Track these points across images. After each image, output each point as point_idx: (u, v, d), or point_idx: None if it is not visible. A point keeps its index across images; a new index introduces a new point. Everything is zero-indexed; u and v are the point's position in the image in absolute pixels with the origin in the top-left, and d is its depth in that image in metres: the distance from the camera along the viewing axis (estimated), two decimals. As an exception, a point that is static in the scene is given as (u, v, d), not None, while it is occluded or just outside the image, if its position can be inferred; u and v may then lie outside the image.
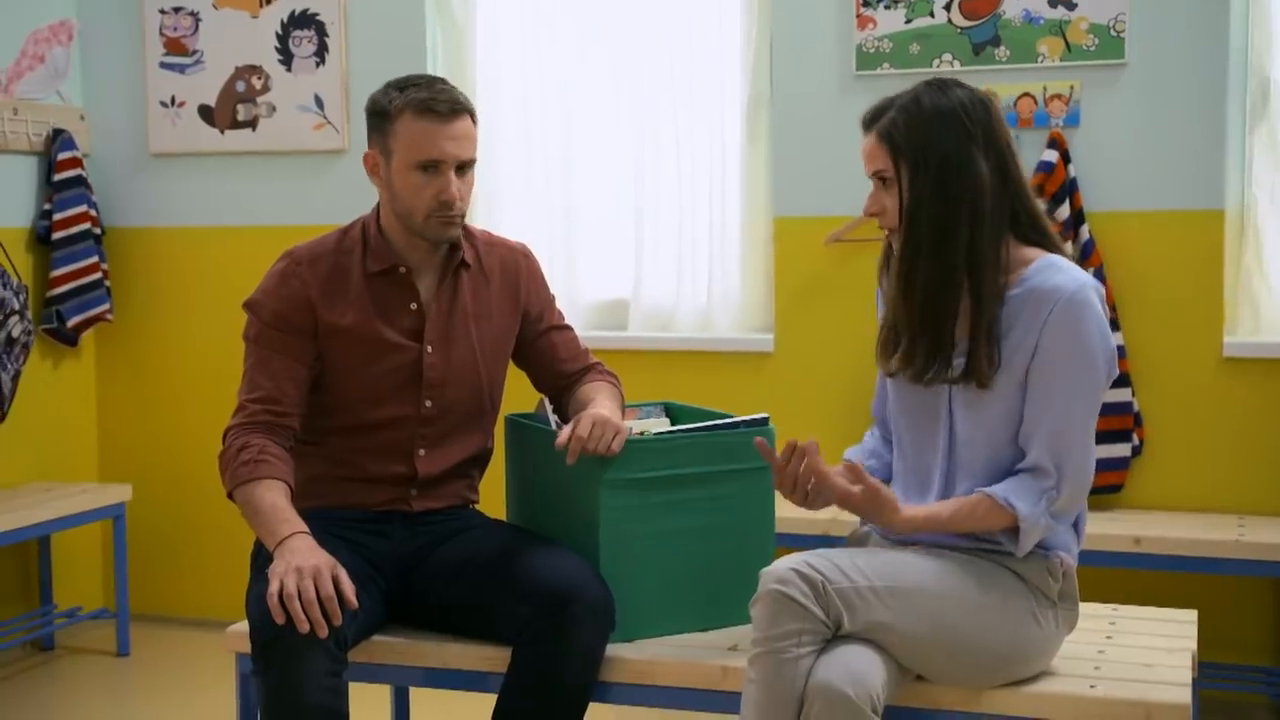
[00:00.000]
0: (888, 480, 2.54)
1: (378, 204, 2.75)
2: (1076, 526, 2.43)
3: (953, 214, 2.30)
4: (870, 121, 2.39)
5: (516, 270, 2.84)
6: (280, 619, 2.34)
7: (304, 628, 2.34)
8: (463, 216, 2.67)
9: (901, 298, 2.36)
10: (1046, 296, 2.29)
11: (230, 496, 2.62)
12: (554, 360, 2.88)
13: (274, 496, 2.54)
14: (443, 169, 2.62)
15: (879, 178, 2.38)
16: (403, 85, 2.65)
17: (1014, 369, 2.32)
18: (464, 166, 2.65)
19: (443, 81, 2.68)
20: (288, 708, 2.35)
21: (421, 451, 2.74)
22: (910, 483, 2.49)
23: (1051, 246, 2.38)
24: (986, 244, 2.31)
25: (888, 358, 2.43)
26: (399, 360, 2.70)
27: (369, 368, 2.69)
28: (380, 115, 2.65)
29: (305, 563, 2.40)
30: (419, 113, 2.60)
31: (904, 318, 2.36)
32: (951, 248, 2.31)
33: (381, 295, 2.70)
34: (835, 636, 2.25)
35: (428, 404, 2.72)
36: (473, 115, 2.68)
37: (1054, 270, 2.32)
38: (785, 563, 2.25)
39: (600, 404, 2.66)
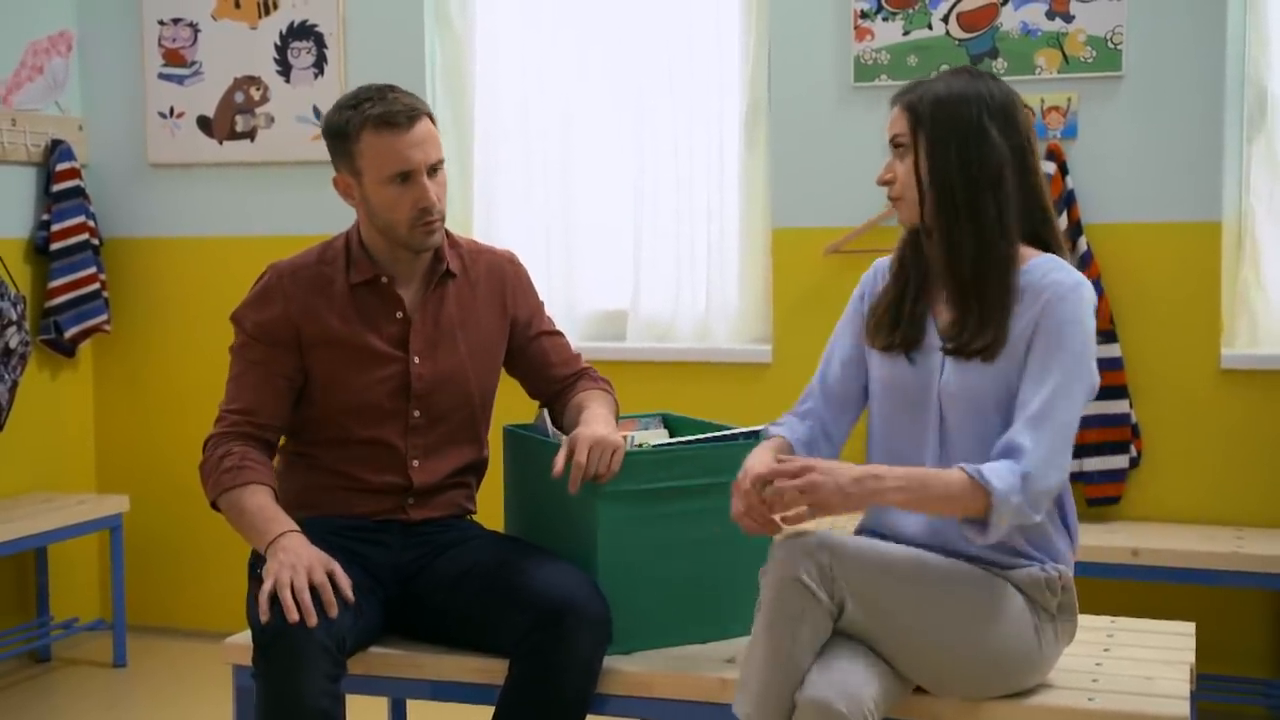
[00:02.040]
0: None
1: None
2: (1070, 535, 2.43)
3: (977, 186, 2.34)
4: (899, 95, 2.43)
5: (503, 277, 2.84)
6: (266, 618, 2.34)
7: (293, 617, 2.34)
8: (443, 219, 2.68)
9: (947, 269, 2.37)
10: (1045, 288, 2.31)
11: (214, 505, 2.62)
12: (546, 366, 2.87)
13: (259, 499, 2.55)
14: (415, 177, 2.61)
15: (895, 143, 2.42)
16: (355, 102, 2.63)
17: (1011, 356, 2.33)
18: (434, 168, 2.65)
19: (392, 89, 2.66)
20: (286, 710, 2.34)
21: (415, 462, 2.73)
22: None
23: (1056, 249, 2.41)
24: (1011, 221, 2.34)
25: (888, 333, 2.44)
26: (386, 371, 2.70)
27: (357, 378, 2.69)
28: (340, 137, 2.64)
29: (299, 560, 2.41)
30: (379, 127, 2.59)
31: (952, 288, 2.37)
32: (984, 217, 2.33)
33: (366, 306, 2.70)
34: (838, 631, 2.26)
35: (416, 414, 2.72)
36: (430, 116, 2.66)
37: (1052, 266, 2.35)
38: (795, 545, 2.25)
39: (595, 414, 2.65)
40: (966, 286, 2.35)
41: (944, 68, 4.01)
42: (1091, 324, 2.32)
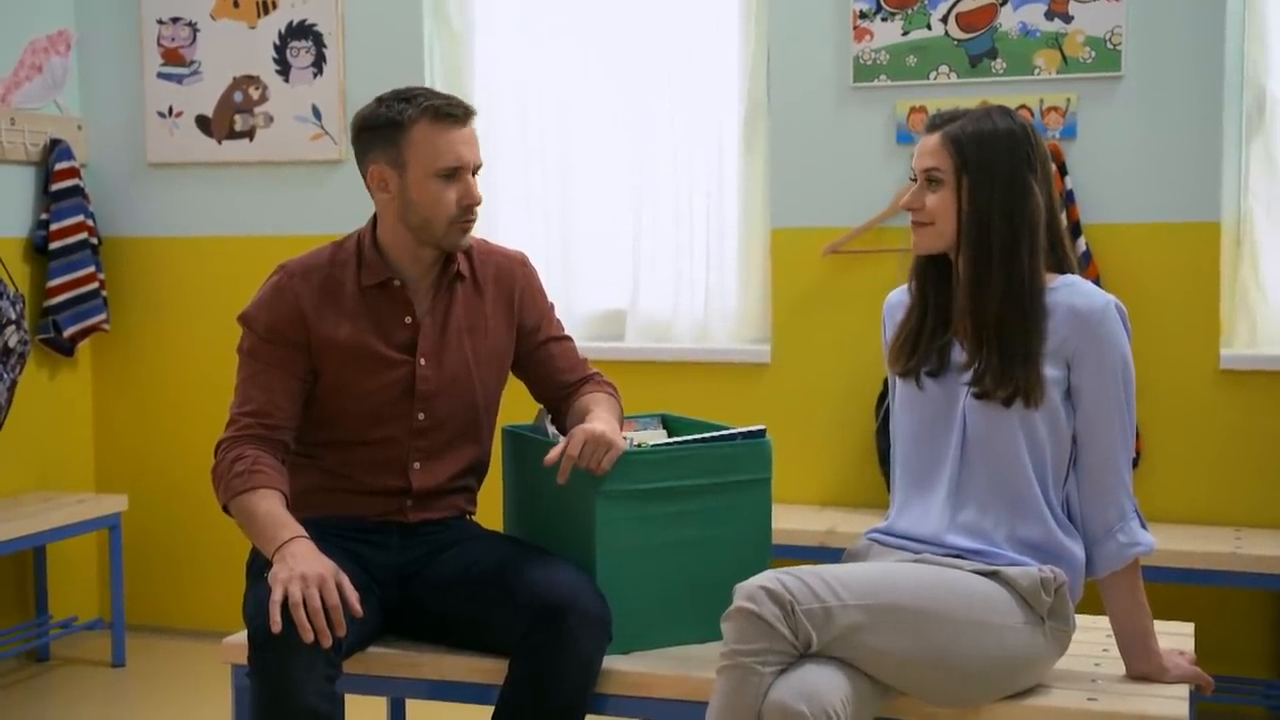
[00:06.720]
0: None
1: (373, 217, 2.74)
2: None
3: (1017, 235, 2.37)
4: (939, 124, 2.43)
5: (512, 281, 2.82)
6: (278, 628, 2.31)
7: (308, 637, 2.32)
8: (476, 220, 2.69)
9: (971, 308, 2.39)
10: (1079, 320, 2.35)
11: (225, 509, 2.60)
12: (552, 371, 2.86)
13: (269, 504, 2.53)
14: (462, 174, 2.62)
15: (929, 177, 2.42)
16: (408, 96, 2.62)
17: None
18: (476, 170, 2.66)
19: (434, 91, 2.68)
20: (282, 710, 2.33)
21: (416, 465, 2.73)
22: (912, 489, 2.50)
23: (1068, 268, 2.45)
24: (1041, 270, 2.39)
25: (906, 360, 2.48)
26: (393, 375, 2.69)
27: (363, 382, 2.68)
28: (390, 127, 2.61)
29: (309, 569, 2.38)
30: (436, 120, 2.59)
31: (972, 327, 2.40)
32: (1019, 265, 2.37)
33: (376, 309, 2.69)
34: (806, 655, 2.22)
35: (420, 417, 2.71)
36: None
37: (1072, 291, 2.39)
38: (758, 580, 2.23)
39: (597, 416, 2.63)
40: (987, 329, 2.38)
41: (940, 70, 4.04)
42: (1126, 339, 2.40)
